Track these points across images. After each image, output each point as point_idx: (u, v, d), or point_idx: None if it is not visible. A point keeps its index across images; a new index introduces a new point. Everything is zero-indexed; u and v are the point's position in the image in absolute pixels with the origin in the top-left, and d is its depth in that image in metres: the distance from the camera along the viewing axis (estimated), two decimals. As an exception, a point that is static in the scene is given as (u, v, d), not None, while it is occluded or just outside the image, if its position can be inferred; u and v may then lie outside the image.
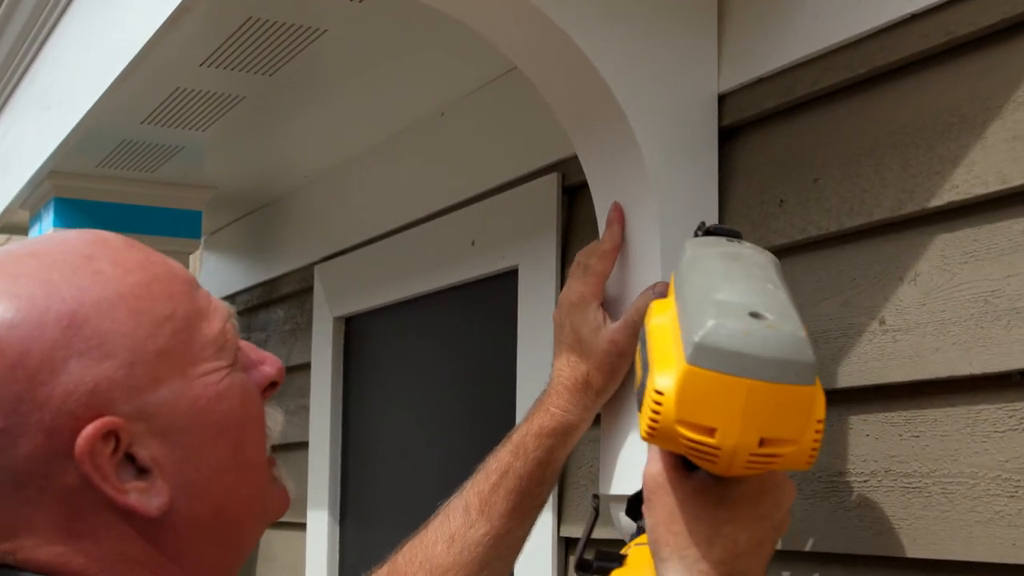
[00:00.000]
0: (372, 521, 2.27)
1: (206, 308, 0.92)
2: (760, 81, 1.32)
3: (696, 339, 0.90)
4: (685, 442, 0.92)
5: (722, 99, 1.36)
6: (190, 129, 2.12)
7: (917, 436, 1.12)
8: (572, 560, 1.56)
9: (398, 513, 2.16)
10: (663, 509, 0.98)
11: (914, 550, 1.10)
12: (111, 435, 0.85)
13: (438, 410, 2.05)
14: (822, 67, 1.25)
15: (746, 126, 1.36)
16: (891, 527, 1.13)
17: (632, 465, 1.32)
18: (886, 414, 1.15)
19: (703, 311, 0.92)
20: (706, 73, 1.36)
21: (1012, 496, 1.02)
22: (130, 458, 0.87)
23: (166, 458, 0.87)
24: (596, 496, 1.25)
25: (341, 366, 2.36)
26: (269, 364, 0.96)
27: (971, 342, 1.07)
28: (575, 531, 1.61)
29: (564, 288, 1.34)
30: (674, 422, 0.92)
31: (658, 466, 1.00)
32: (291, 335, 2.59)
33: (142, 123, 2.09)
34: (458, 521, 1.28)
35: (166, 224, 2.49)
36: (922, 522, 1.10)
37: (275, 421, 0.96)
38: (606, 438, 1.37)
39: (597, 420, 1.38)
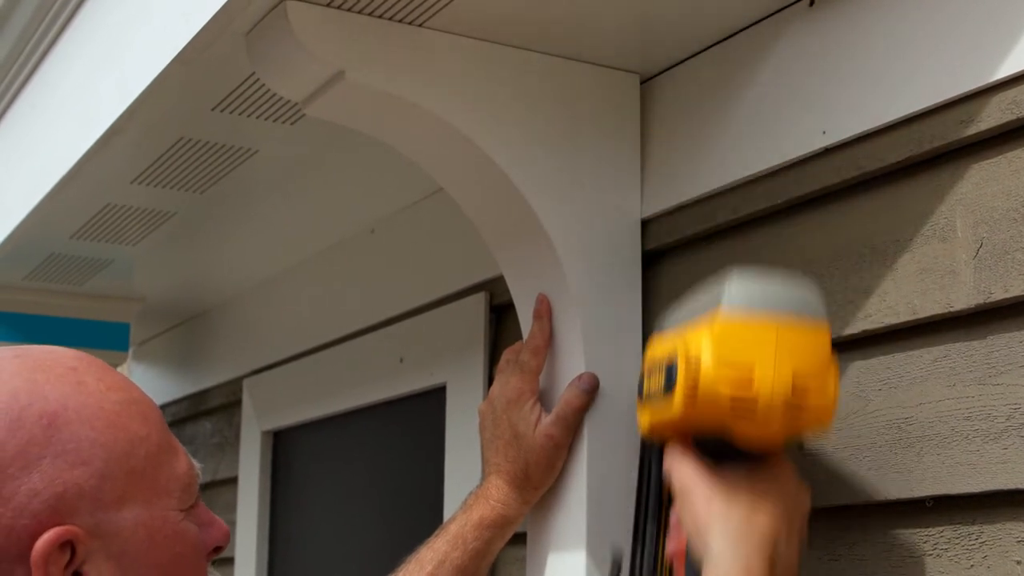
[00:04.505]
0: (298, 639, 2.23)
1: (176, 446, 0.92)
2: (682, 208, 1.35)
3: (723, 296, 0.99)
4: (726, 396, 0.97)
5: (645, 224, 1.40)
6: (120, 243, 2.12)
7: (836, 560, 1.14)
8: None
9: (324, 631, 2.13)
10: (700, 497, 1.01)
11: (834, 675, 1.11)
12: (68, 546, 0.83)
13: (365, 526, 2.04)
14: (741, 196, 1.28)
15: (669, 251, 1.39)
16: None
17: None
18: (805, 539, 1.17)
19: (720, 279, 1.01)
20: (630, 199, 1.39)
21: (928, 622, 1.04)
22: (76, 575, 0.84)
23: None
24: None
25: (269, 480, 2.34)
26: (217, 528, 0.95)
27: (885, 468, 1.09)
28: (502, 652, 1.60)
29: (497, 385, 1.35)
30: (714, 380, 0.97)
31: (688, 467, 1.03)
32: (219, 448, 2.57)
33: (71, 237, 2.09)
34: None
35: (93, 336, 2.48)
36: (842, 646, 1.11)
37: None
38: (532, 557, 1.37)
39: (522, 539, 1.38)
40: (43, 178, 1.77)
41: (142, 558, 0.87)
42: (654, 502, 1.12)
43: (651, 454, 1.14)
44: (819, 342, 1.00)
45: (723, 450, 1.02)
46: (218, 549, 0.95)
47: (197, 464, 0.94)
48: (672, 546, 1.06)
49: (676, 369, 1.00)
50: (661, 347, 1.07)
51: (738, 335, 0.98)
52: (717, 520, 0.99)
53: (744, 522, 0.99)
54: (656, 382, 1.05)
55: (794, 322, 0.99)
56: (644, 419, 1.09)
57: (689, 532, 1.02)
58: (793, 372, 0.98)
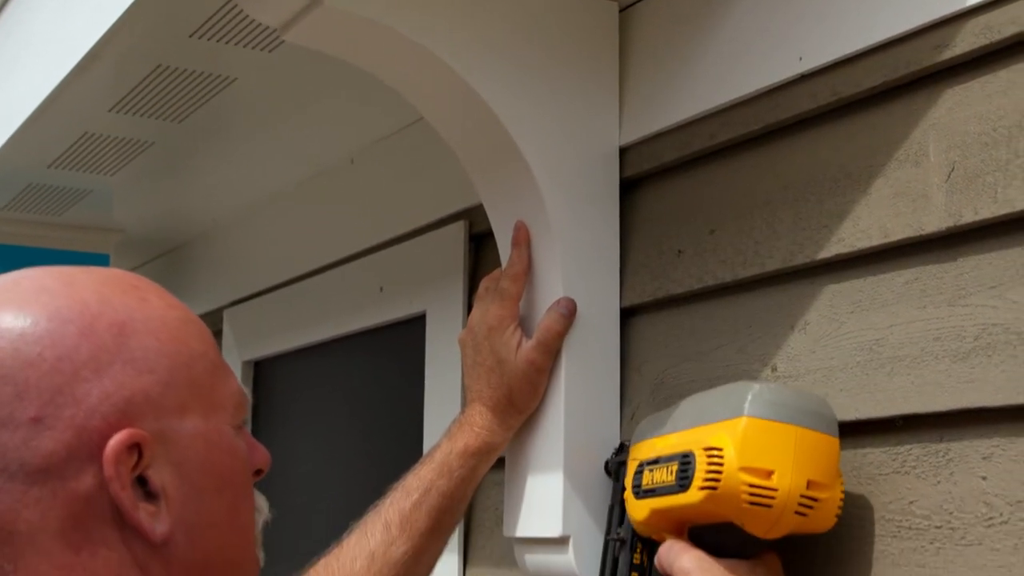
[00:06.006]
0: (280, 566, 2.26)
1: (228, 368, 0.95)
2: (659, 135, 1.36)
3: (750, 396, 1.05)
4: (746, 489, 1.03)
5: (623, 151, 1.41)
6: (98, 173, 2.12)
7: (808, 479, 1.16)
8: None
9: (305, 557, 2.15)
10: None
11: (805, 590, 1.14)
12: (135, 448, 0.85)
13: (346, 454, 2.06)
14: (718, 123, 1.29)
15: (646, 178, 1.40)
16: (782, 566, 1.16)
17: (535, 508, 1.35)
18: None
19: (743, 387, 1.07)
20: (608, 126, 1.40)
21: (895, 536, 1.07)
22: (142, 481, 0.86)
23: (174, 490, 0.87)
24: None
25: (250, 410, 2.35)
26: (261, 452, 0.97)
27: (857, 389, 1.11)
28: (481, 574, 1.63)
29: (476, 312, 1.36)
30: (737, 470, 1.03)
31: (693, 554, 1.08)
32: (199, 379, 2.58)
33: (49, 167, 2.08)
34: (378, 538, 1.29)
35: (73, 268, 2.48)
36: (811, 562, 1.14)
37: (263, 504, 0.97)
38: (511, 481, 1.39)
39: (499, 462, 1.40)
40: (20, 106, 1.77)
41: (199, 467, 0.89)
42: None
43: (616, 551, 1.21)
44: (831, 453, 1.06)
45: (724, 541, 1.08)
46: (259, 472, 0.97)
47: (246, 389, 0.97)
48: None
49: (694, 462, 1.06)
50: (665, 444, 1.13)
51: (761, 437, 1.04)
52: None
53: None
54: (663, 476, 1.10)
55: (810, 432, 1.05)
56: (640, 511, 1.14)
57: None
58: (808, 477, 1.04)
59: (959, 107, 1.06)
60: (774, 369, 1.20)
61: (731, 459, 1.03)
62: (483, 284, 1.39)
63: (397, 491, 1.32)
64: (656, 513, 1.12)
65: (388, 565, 1.27)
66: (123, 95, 1.76)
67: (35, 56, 1.75)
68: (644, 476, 1.13)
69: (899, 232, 1.09)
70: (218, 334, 2.46)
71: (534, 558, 1.37)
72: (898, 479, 1.07)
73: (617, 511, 1.25)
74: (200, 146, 2.00)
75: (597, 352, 1.35)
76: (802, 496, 1.03)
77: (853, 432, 1.12)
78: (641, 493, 1.14)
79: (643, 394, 1.36)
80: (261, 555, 0.98)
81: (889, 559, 1.07)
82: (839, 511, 1.06)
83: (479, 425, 1.32)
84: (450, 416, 1.39)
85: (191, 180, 2.22)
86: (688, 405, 1.15)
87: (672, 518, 1.11)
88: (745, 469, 1.03)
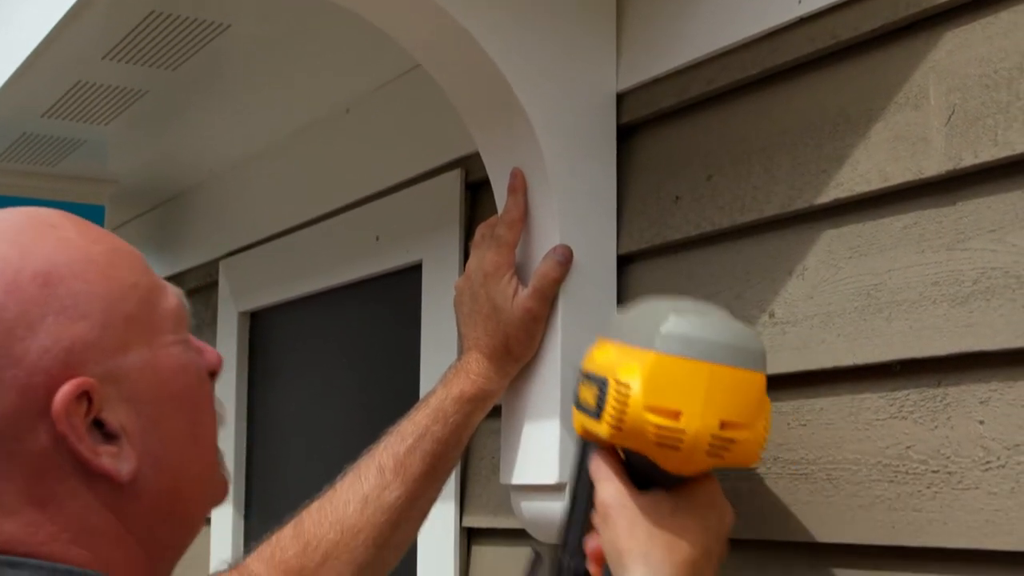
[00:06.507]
0: (277, 516, 2.27)
1: (162, 284, 0.94)
2: (657, 81, 1.35)
3: (662, 329, 0.99)
4: (652, 429, 0.99)
5: (620, 98, 1.39)
6: (92, 123, 2.10)
7: (804, 425, 1.16)
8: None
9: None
10: (623, 522, 1.02)
11: (800, 534, 1.15)
12: (84, 396, 0.85)
13: (343, 404, 2.06)
14: (716, 68, 1.28)
15: (643, 124, 1.39)
16: (779, 512, 1.17)
17: (532, 455, 1.35)
18: (775, 404, 1.19)
19: (660, 314, 1.01)
20: (605, 72, 1.39)
21: (891, 481, 1.07)
22: (98, 424, 0.86)
23: (132, 425, 0.87)
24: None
25: (246, 361, 2.35)
26: (210, 353, 0.97)
27: (855, 334, 1.11)
28: (477, 521, 1.64)
29: (473, 259, 1.36)
30: (642, 409, 0.99)
31: (613, 486, 1.04)
32: (196, 330, 2.55)
33: (43, 116, 2.07)
34: (371, 482, 1.28)
35: (68, 218, 2.46)
36: (808, 507, 1.14)
37: (222, 408, 0.97)
38: (507, 428, 1.39)
39: (496, 411, 1.40)
40: (12, 54, 1.75)
41: (154, 394, 0.89)
42: (583, 496, 1.13)
43: (588, 449, 1.15)
44: (752, 389, 1.01)
45: (649, 469, 1.04)
46: (213, 374, 0.97)
47: (181, 291, 0.96)
48: (591, 546, 1.08)
49: (607, 392, 1.02)
50: (601, 358, 1.07)
51: (669, 375, 0.99)
52: (638, 553, 1.01)
53: (665, 558, 1.00)
54: (589, 395, 1.06)
55: (726, 369, 1.00)
56: (577, 423, 1.11)
57: (608, 552, 1.04)
58: (721, 419, 0.99)
59: (959, 49, 1.05)
60: (772, 315, 1.20)
61: (637, 398, 0.99)
62: (479, 231, 1.38)
63: (392, 436, 1.32)
64: (586, 431, 1.09)
65: (381, 509, 1.27)
66: (116, 42, 1.74)
67: (27, 3, 1.74)
68: (580, 389, 1.09)
69: (898, 176, 1.08)
70: (214, 285, 2.46)
71: (530, 505, 1.37)
72: (895, 424, 1.07)
73: None
74: (194, 95, 1.99)
75: (594, 299, 1.35)
76: (713, 437, 0.99)
77: (851, 377, 1.12)
78: (578, 406, 1.10)
79: (640, 341, 1.35)
80: (226, 472, 0.98)
81: (886, 504, 1.07)
82: (761, 450, 1.02)
83: (475, 372, 1.32)
84: (447, 365, 1.39)
85: (186, 130, 2.21)
86: (633, 313, 1.10)
87: (599, 441, 1.08)
88: (651, 409, 0.99)
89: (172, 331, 0.92)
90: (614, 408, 1.01)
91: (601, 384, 1.04)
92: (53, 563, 0.84)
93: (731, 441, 1.00)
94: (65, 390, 0.84)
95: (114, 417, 0.87)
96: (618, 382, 1.01)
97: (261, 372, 2.33)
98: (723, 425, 0.99)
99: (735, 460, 1.02)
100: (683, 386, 0.99)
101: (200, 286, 2.55)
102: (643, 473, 1.05)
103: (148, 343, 0.89)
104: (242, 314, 2.35)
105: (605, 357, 1.07)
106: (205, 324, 2.53)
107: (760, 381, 1.02)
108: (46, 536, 0.85)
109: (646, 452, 1.02)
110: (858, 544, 1.10)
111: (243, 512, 2.35)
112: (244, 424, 2.35)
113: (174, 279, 2.68)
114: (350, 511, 1.27)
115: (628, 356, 1.03)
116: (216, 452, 0.96)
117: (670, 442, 0.99)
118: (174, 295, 0.94)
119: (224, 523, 2.36)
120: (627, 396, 1.00)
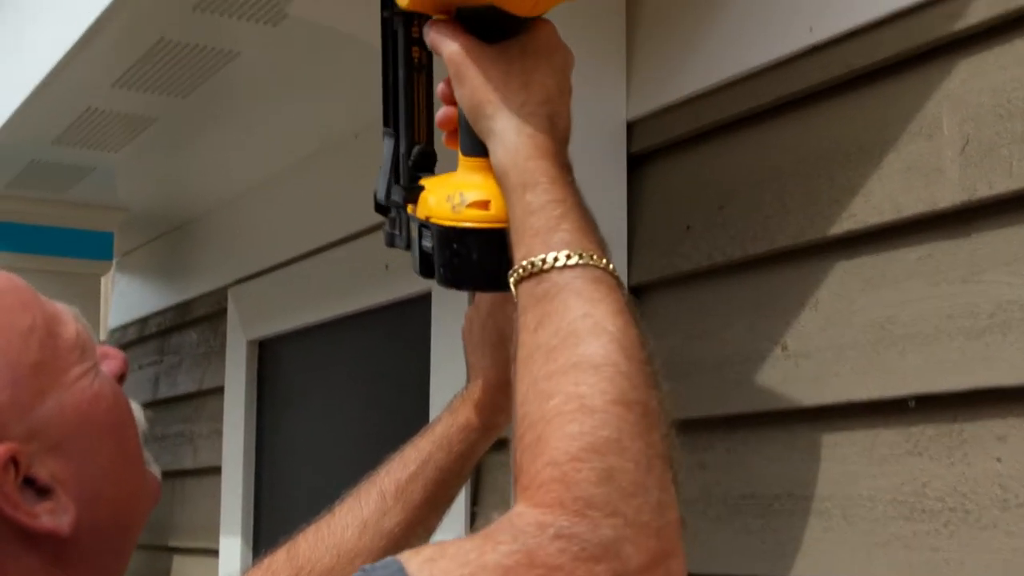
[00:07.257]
0: (285, 546, 2.25)
1: (55, 311, 0.91)
2: (668, 109, 1.34)
3: None
4: None
5: (631, 126, 1.38)
6: (102, 150, 2.10)
7: (818, 460, 1.14)
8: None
9: (311, 537, 2.15)
10: (476, 75, 0.99)
11: (815, 572, 1.12)
12: (10, 462, 0.83)
13: (351, 434, 2.05)
14: (728, 96, 1.27)
15: (654, 153, 1.38)
16: (793, 549, 1.14)
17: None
18: (789, 438, 1.17)
19: None
20: (615, 101, 1.38)
21: (907, 519, 1.05)
22: (29, 481, 0.85)
23: (63, 471, 0.86)
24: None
25: (255, 390, 2.34)
26: (113, 356, 0.95)
27: (869, 368, 1.09)
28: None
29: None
30: None
31: (458, 41, 1.00)
32: (205, 358, 2.57)
33: (52, 144, 2.07)
34: (371, 507, 1.26)
35: (77, 246, 2.46)
36: (823, 544, 1.12)
37: (138, 410, 0.96)
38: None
39: (504, 443, 1.38)
40: (23, 81, 1.75)
41: (78, 432, 0.87)
42: (404, 75, 1.10)
43: (394, 26, 1.11)
44: None
45: (490, 20, 1.00)
46: (121, 378, 0.95)
47: (74, 308, 0.94)
48: (441, 116, 1.06)
49: None
50: None
51: None
52: (497, 100, 0.99)
53: (525, 99, 0.99)
54: None
55: None
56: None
57: (465, 108, 1.02)
58: None
59: (973, 78, 1.03)
60: (784, 348, 1.18)
61: None
62: None
63: (394, 461, 1.30)
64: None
65: (380, 535, 1.25)
66: (126, 69, 1.74)
67: (38, 30, 1.74)
68: None
69: (912, 207, 1.06)
70: (223, 313, 2.45)
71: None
72: (911, 460, 1.05)
73: None
74: (204, 122, 1.98)
75: (604, 330, 1.33)
76: None
77: (865, 412, 1.10)
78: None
79: (650, 373, 1.34)
80: (156, 470, 0.96)
81: (902, 542, 1.05)
82: None
83: (482, 402, 1.30)
84: (455, 395, 1.37)
85: (195, 157, 2.20)
86: None
87: (432, 5, 1.02)
88: None
89: (79, 361, 0.89)
90: None
91: None
92: None
93: None
94: None
95: (44, 471, 0.85)
96: None
97: (270, 401, 2.32)
98: None
99: None
100: None
101: (209, 314, 2.54)
102: (484, 31, 1.01)
103: (60, 383, 0.88)
104: (251, 342, 2.34)
105: None
106: (214, 352, 2.52)
107: None
108: None
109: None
110: (873, 582, 1.07)
111: (251, 543, 2.33)
112: (252, 453, 2.33)
113: (182, 307, 2.68)
114: (348, 535, 1.25)
115: None
116: (143, 458, 0.95)
117: None
118: (71, 319, 0.92)
119: (232, 555, 2.34)
120: None
